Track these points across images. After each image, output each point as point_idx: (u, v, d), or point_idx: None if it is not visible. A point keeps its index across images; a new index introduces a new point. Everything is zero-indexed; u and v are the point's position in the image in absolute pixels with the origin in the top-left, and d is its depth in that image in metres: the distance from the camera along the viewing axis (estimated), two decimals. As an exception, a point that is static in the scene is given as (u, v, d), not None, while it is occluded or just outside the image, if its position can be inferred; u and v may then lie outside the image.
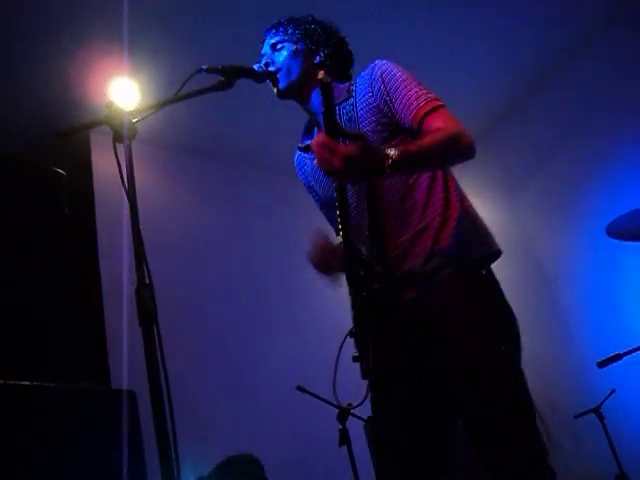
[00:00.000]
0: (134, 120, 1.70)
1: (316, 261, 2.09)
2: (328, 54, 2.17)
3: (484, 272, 1.92)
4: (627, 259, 4.19)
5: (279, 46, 2.14)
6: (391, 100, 1.96)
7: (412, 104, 1.90)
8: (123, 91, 4.08)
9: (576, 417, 4.01)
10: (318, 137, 1.67)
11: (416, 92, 1.92)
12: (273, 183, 4.96)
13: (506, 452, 1.76)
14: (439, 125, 1.85)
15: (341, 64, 2.22)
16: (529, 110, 5.28)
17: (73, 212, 2.81)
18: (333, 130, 1.68)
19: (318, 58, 2.16)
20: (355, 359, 1.82)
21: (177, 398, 1.49)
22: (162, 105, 1.83)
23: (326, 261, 2.07)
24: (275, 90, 2.14)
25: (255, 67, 2.06)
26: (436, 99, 1.91)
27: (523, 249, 5.27)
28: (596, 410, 3.90)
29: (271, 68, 2.11)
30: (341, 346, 1.94)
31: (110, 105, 1.68)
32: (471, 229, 1.94)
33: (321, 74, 1.64)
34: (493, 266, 1.96)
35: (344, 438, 3.51)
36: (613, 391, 3.93)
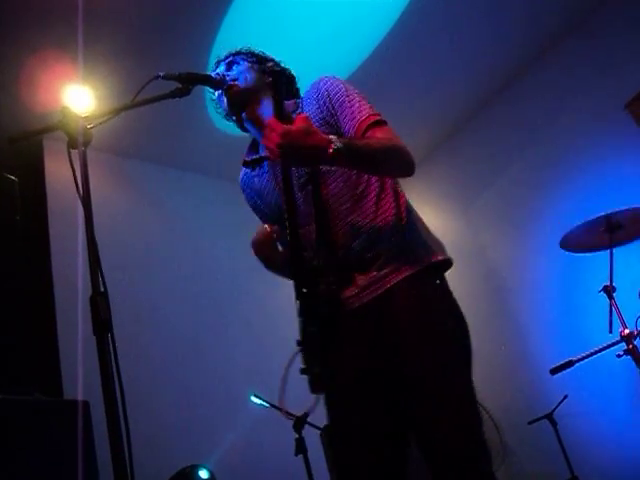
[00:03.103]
0: (89, 126, 1.67)
1: (257, 240, 2.09)
2: (277, 72, 2.22)
3: (437, 281, 1.94)
4: (578, 268, 4.28)
5: (234, 65, 2.19)
6: (336, 113, 2.01)
7: (355, 117, 1.96)
8: (77, 98, 4.02)
9: (530, 423, 4.07)
10: (267, 119, 1.73)
11: (359, 106, 1.98)
12: (226, 190, 4.93)
13: (450, 457, 1.74)
14: (383, 137, 1.90)
15: (288, 83, 2.28)
16: (484, 121, 5.37)
17: (25, 219, 2.76)
18: (280, 115, 1.76)
19: (268, 75, 2.20)
20: (303, 371, 1.78)
21: (131, 408, 1.47)
22: (118, 111, 1.81)
23: (267, 244, 2.08)
24: (226, 98, 2.15)
25: (212, 74, 2.06)
26: (378, 114, 1.98)
27: (477, 258, 5.34)
28: (549, 416, 3.97)
29: (228, 78, 2.14)
30: (292, 360, 1.86)
31: (64, 110, 1.65)
32: (420, 239, 1.98)
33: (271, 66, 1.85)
34: (448, 276, 1.99)
35: (300, 447, 3.50)
36: (565, 397, 4.00)
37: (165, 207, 4.95)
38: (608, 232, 3.24)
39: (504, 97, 5.21)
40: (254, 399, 3.70)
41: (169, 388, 4.11)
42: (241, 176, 2.37)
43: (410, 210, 2.03)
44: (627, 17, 4.33)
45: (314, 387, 1.77)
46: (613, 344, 3.20)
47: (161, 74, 1.86)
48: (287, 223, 1.88)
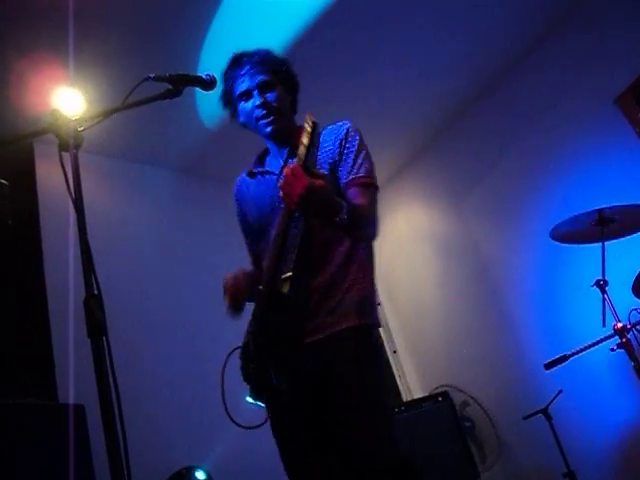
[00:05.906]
0: (80, 128, 1.66)
1: (229, 287, 2.33)
2: (294, 99, 2.34)
3: (373, 336, 2.14)
4: (571, 263, 4.29)
5: (269, 89, 2.23)
6: (340, 159, 2.14)
7: (352, 170, 2.11)
8: (67, 100, 4.00)
9: (525, 418, 4.07)
10: (293, 165, 1.80)
11: (361, 162, 2.13)
12: (220, 190, 4.92)
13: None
14: (363, 202, 2.03)
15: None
16: (474, 117, 5.38)
17: (17, 222, 2.75)
18: (307, 165, 1.81)
19: (290, 102, 2.32)
20: (246, 379, 2.21)
21: (127, 411, 1.46)
22: (109, 113, 1.81)
23: (238, 290, 2.31)
24: (269, 129, 2.22)
25: (203, 76, 2.05)
26: (372, 177, 2.13)
27: (470, 254, 5.35)
28: (544, 411, 3.97)
29: (268, 109, 2.20)
30: (225, 364, 2.38)
31: (55, 113, 1.65)
32: (370, 300, 2.15)
33: (308, 117, 1.84)
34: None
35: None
36: (560, 392, 4.01)
37: (157, 208, 4.94)
38: (599, 225, 3.25)
39: (493, 92, 5.21)
40: (249, 399, 3.69)
41: (165, 389, 4.10)
42: (238, 180, 2.42)
43: (371, 269, 2.20)
44: (616, 12, 4.34)
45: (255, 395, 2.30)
46: (606, 338, 3.21)
47: (151, 76, 1.86)
48: (273, 254, 2.04)
